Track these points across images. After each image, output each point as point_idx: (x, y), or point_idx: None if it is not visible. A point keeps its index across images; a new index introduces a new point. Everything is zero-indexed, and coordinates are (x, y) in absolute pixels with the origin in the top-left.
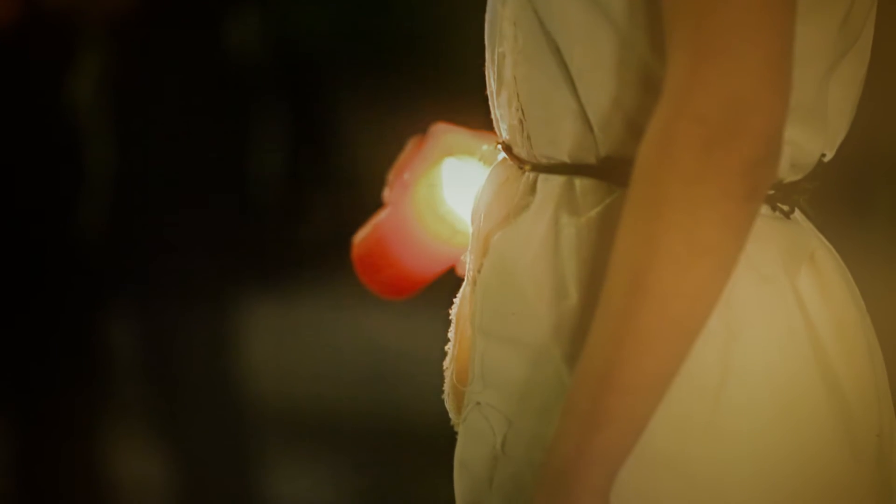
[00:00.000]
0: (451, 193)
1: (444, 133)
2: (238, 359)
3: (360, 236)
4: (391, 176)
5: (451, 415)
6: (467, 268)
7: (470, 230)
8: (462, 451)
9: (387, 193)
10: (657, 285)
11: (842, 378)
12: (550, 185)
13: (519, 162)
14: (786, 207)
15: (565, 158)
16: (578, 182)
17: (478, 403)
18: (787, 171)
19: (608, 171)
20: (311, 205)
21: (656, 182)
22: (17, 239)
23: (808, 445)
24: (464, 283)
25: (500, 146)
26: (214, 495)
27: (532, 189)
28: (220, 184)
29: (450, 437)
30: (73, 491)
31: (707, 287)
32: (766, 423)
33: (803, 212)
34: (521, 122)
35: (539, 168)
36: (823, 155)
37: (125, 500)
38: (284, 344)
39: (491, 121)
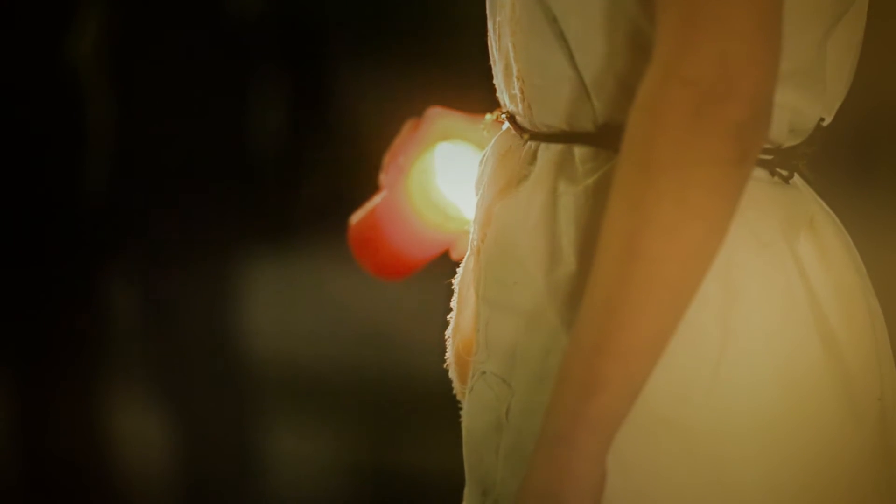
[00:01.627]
0: (445, 179)
1: (439, 117)
2: (238, 318)
3: (356, 218)
4: (386, 159)
5: (455, 384)
6: (471, 237)
7: (462, 216)
8: (469, 421)
9: (382, 176)
10: (648, 249)
11: (842, 342)
12: (550, 154)
13: (521, 131)
14: (784, 172)
15: (564, 126)
16: (577, 150)
17: (483, 373)
18: (785, 136)
19: (606, 137)
20: (311, 165)
21: (646, 146)
22: (17, 201)
23: (808, 410)
24: (467, 253)
25: (503, 116)
26: (214, 454)
27: (533, 158)
28: (221, 145)
29: (449, 397)
30: (73, 451)
31: (699, 251)
32: (766, 388)
33: (802, 176)
34: (521, 91)
35: (539, 137)
36: (822, 119)
37: (126, 459)
38: (284, 303)
39: (489, 94)
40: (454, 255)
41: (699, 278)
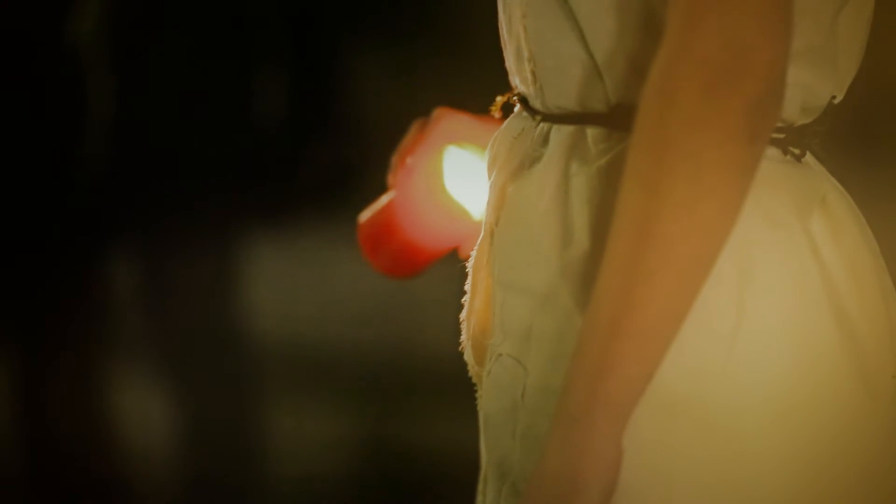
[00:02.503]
0: (453, 182)
1: (447, 119)
2: (239, 296)
3: (364, 217)
4: (394, 160)
5: (470, 366)
6: (484, 220)
7: (470, 217)
8: (487, 404)
9: (391, 177)
10: (662, 228)
11: (855, 320)
12: (562, 135)
13: (533, 113)
14: (797, 151)
15: (576, 107)
16: (590, 131)
17: (499, 355)
18: (797, 115)
19: (618, 118)
20: (314, 148)
21: (659, 125)
22: (19, 185)
23: (822, 387)
24: (480, 235)
25: (515, 98)
26: (215, 431)
27: (545, 140)
28: (222, 123)
29: (451, 376)
30: (75, 427)
31: (712, 230)
32: (781, 367)
33: (814, 155)
34: (532, 73)
35: (552, 118)
36: (833, 97)
37: (127, 435)
38: (285, 282)
39: (497, 90)
40: (463, 255)
41: (714, 257)
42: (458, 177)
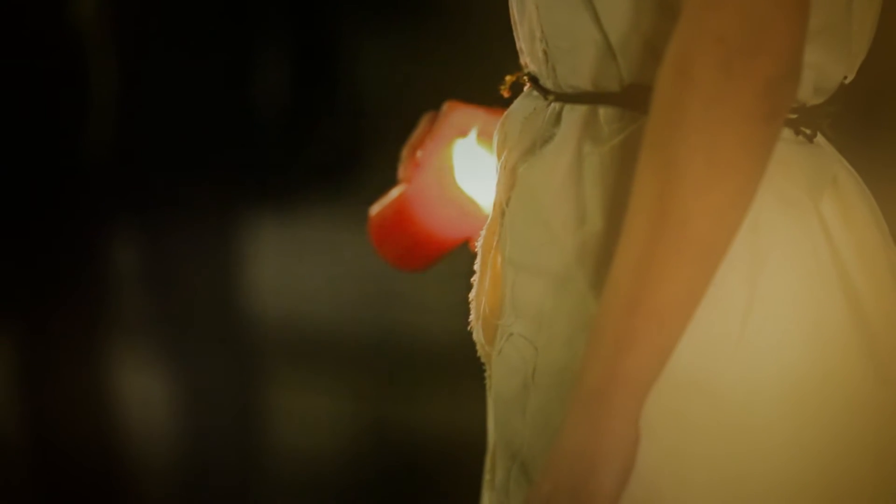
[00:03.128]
0: (462, 175)
1: (457, 112)
2: (240, 278)
3: (375, 209)
4: (404, 153)
5: (480, 346)
6: (494, 199)
7: (480, 211)
8: (497, 383)
9: (401, 170)
10: (680, 207)
11: (866, 301)
12: (575, 115)
13: (544, 93)
14: (808, 131)
15: (589, 87)
16: (602, 111)
17: (510, 335)
18: (810, 95)
19: (631, 98)
20: (315, 125)
21: (676, 104)
22: (19, 158)
23: (833, 368)
24: (490, 215)
25: (526, 77)
26: (215, 413)
27: (557, 120)
28: (224, 105)
29: (454, 357)
30: (74, 408)
31: (729, 208)
32: (792, 347)
33: (825, 135)
34: (544, 52)
35: (564, 98)
36: (845, 77)
37: (126, 416)
38: (288, 265)
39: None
40: (473, 248)
41: (731, 235)
42: (467, 170)
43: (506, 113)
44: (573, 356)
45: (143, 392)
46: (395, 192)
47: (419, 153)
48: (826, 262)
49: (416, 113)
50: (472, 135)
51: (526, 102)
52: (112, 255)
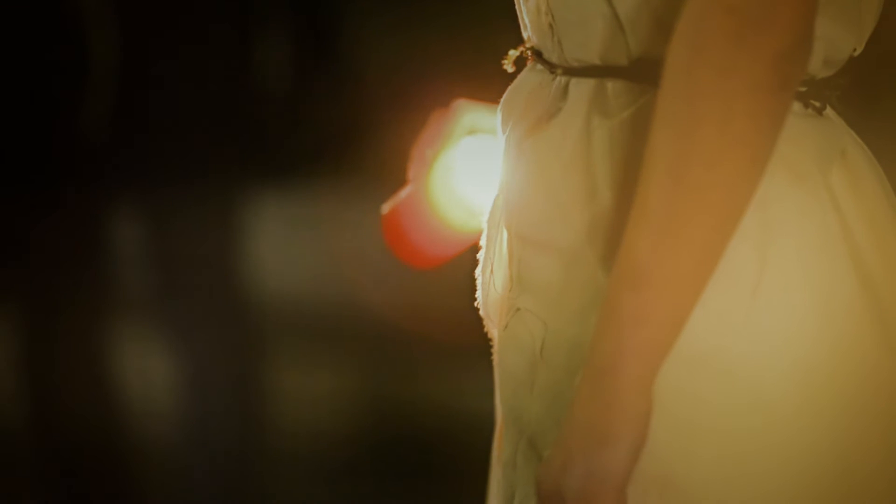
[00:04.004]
0: (469, 174)
1: (464, 110)
2: (241, 257)
3: (387, 207)
4: (413, 151)
5: (486, 322)
6: (500, 174)
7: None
8: (504, 358)
9: (410, 169)
10: (692, 178)
11: (875, 274)
12: (582, 89)
13: (550, 67)
14: (818, 104)
15: (597, 61)
16: (610, 84)
17: (518, 310)
18: (819, 68)
19: (640, 72)
20: (314, 102)
21: (688, 75)
22: (19, 138)
23: (843, 339)
24: (497, 191)
25: (530, 52)
26: (217, 391)
27: (564, 94)
28: (223, 80)
29: (456, 334)
30: (75, 383)
31: (741, 179)
32: (803, 320)
33: (834, 108)
34: (550, 26)
35: (571, 72)
36: (854, 50)
37: (128, 395)
38: (287, 242)
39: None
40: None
41: (744, 205)
42: (475, 169)
43: (510, 87)
44: (583, 331)
45: (145, 371)
46: (404, 192)
47: (426, 153)
48: (836, 234)
49: (417, 92)
50: (480, 134)
51: (531, 77)
52: (113, 234)
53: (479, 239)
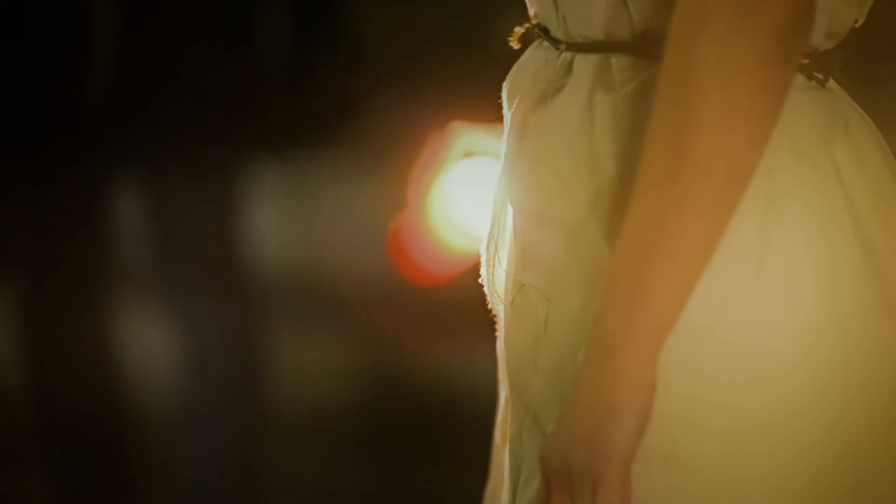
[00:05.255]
0: (466, 196)
1: (460, 134)
2: (241, 227)
3: (393, 226)
4: (412, 174)
5: (490, 296)
6: (504, 150)
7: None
8: (509, 334)
9: (409, 192)
10: (696, 151)
11: (879, 246)
12: (586, 64)
13: (555, 43)
14: (820, 76)
15: (600, 36)
16: (614, 59)
17: (522, 285)
18: (822, 40)
19: (643, 46)
20: (316, 72)
21: (691, 48)
22: (20, 107)
23: (848, 313)
24: (501, 168)
25: (535, 29)
26: (217, 362)
27: (568, 70)
28: (225, 52)
29: (455, 308)
30: (76, 359)
31: (745, 151)
32: (807, 294)
33: (836, 80)
34: (554, 2)
35: (575, 48)
36: (856, 21)
37: (129, 366)
38: (288, 212)
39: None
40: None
41: (747, 179)
42: (470, 192)
43: (516, 64)
44: (586, 306)
45: (145, 342)
46: (405, 214)
47: (424, 176)
48: (840, 207)
49: (418, 60)
50: (476, 156)
51: (536, 53)
52: (112, 205)
53: (478, 260)
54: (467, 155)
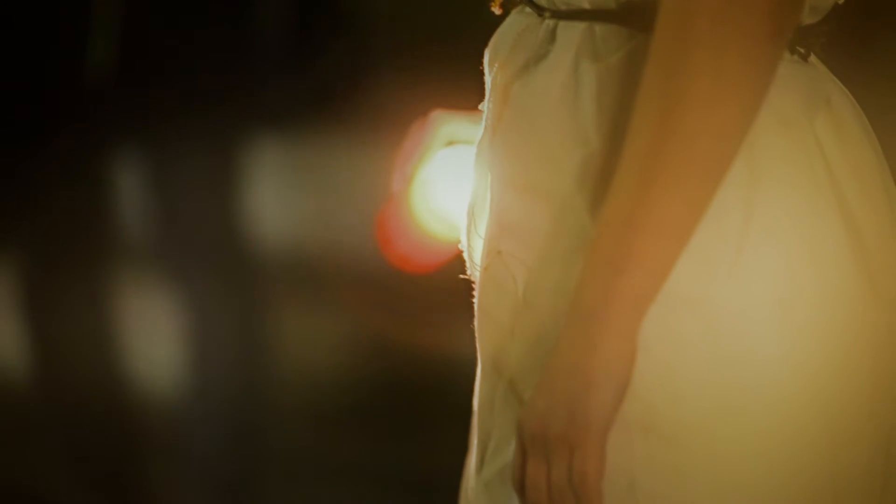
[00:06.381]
0: (448, 187)
1: (443, 123)
2: (241, 202)
3: (380, 216)
4: (396, 164)
5: (468, 263)
6: (485, 117)
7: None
8: (483, 300)
9: (394, 181)
10: (685, 124)
11: (861, 220)
12: (570, 33)
13: (538, 10)
14: (803, 51)
15: (585, 4)
16: (599, 28)
17: (499, 252)
18: (805, 14)
19: (628, 15)
20: (318, 47)
21: (684, 22)
22: (20, 83)
23: (828, 286)
24: (482, 134)
25: None
26: (217, 338)
27: (551, 37)
28: (226, 28)
29: (454, 282)
30: (76, 336)
31: (734, 126)
32: (788, 265)
33: (818, 56)
34: None
35: (559, 15)
36: None
37: (129, 342)
38: (288, 187)
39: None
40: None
41: (733, 153)
42: (452, 182)
43: (497, 30)
44: (568, 274)
45: (145, 318)
46: (389, 203)
47: (407, 165)
48: (822, 181)
49: (420, 34)
50: (459, 145)
51: (518, 19)
52: (113, 181)
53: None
54: (450, 144)
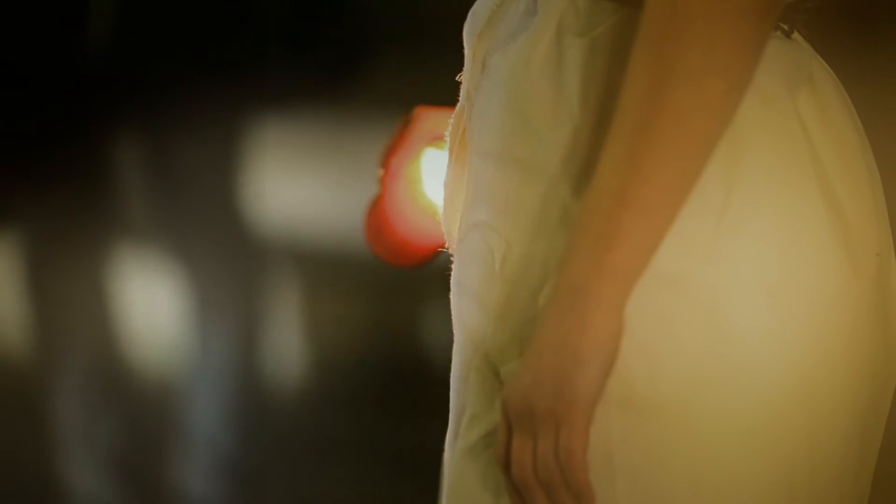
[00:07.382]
0: (434, 184)
1: (427, 120)
2: (244, 181)
3: (366, 210)
4: (381, 160)
5: (446, 236)
6: (462, 89)
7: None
8: (459, 272)
9: (379, 176)
10: (673, 102)
11: (841, 197)
12: (551, 5)
13: None
14: (786, 27)
15: None
16: (581, 1)
17: (475, 224)
18: None
19: None
20: (319, 26)
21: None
22: (22, 60)
23: (808, 261)
24: (458, 103)
25: None
26: (219, 318)
27: (532, 9)
28: (228, 6)
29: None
30: (78, 313)
31: (723, 103)
32: (769, 242)
33: (800, 33)
34: None
35: None
36: None
37: (131, 321)
38: (290, 166)
39: None
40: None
41: (721, 131)
42: (438, 178)
43: (477, 1)
44: (548, 248)
45: (148, 296)
46: (377, 198)
47: (392, 161)
48: (804, 157)
49: (421, 13)
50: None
51: None
52: (115, 160)
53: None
54: (434, 141)
